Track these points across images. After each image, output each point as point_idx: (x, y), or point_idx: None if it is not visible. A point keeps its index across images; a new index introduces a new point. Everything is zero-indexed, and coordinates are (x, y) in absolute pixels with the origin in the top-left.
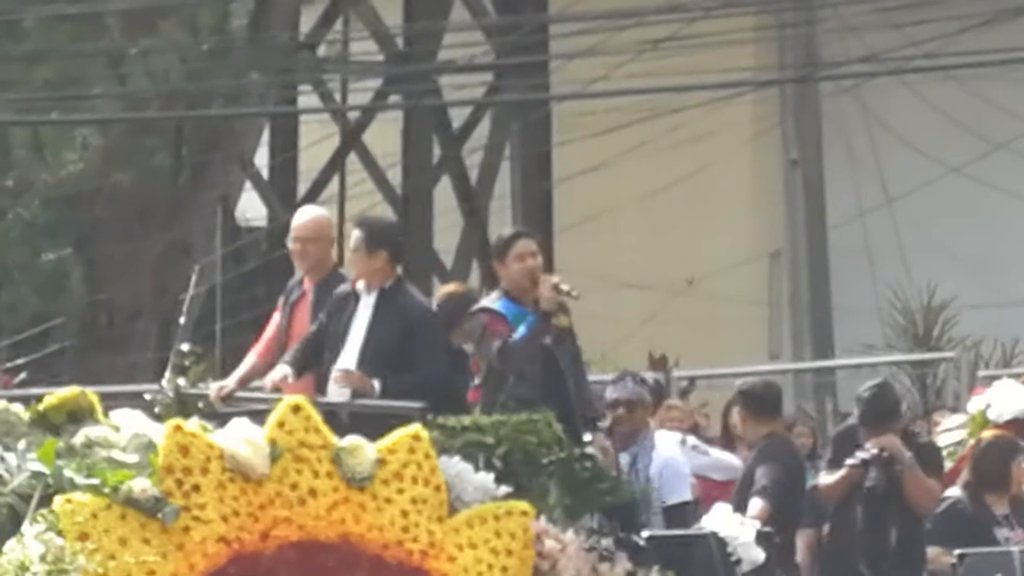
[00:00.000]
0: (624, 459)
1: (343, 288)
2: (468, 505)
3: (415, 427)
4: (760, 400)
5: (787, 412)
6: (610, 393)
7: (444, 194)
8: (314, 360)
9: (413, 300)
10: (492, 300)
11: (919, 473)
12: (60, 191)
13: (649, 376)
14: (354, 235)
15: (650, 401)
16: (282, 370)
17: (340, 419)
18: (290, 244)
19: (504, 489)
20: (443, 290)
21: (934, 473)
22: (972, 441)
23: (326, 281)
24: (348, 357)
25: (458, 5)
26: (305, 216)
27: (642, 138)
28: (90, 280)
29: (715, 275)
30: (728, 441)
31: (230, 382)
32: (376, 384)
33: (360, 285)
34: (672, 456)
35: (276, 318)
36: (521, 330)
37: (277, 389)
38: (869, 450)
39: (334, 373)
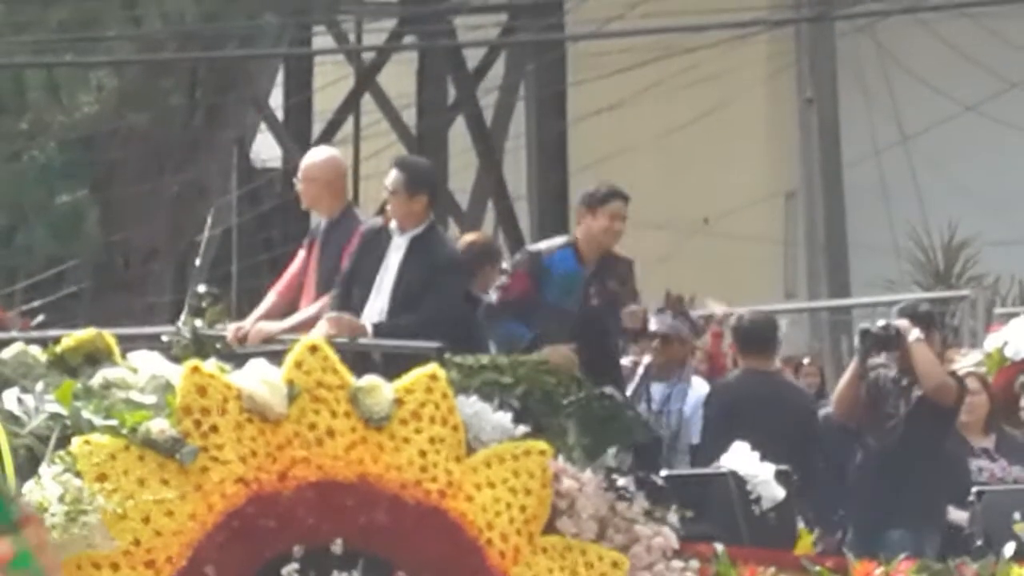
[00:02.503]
0: (659, 392)
1: (373, 223)
2: (486, 445)
3: (432, 366)
4: (745, 335)
5: (799, 351)
6: (651, 325)
7: (459, 135)
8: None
9: (443, 246)
10: (556, 246)
11: (925, 348)
12: (75, 133)
13: (695, 314)
14: (392, 176)
15: (688, 336)
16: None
17: (373, 360)
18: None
19: (522, 429)
20: (464, 239)
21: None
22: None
23: (337, 220)
24: (380, 301)
25: None
26: (307, 157)
27: (657, 78)
28: (106, 222)
29: (731, 214)
30: None
31: (248, 323)
32: (369, 327)
33: (392, 224)
34: (703, 395)
35: (299, 256)
36: (515, 330)
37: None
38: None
39: (325, 317)
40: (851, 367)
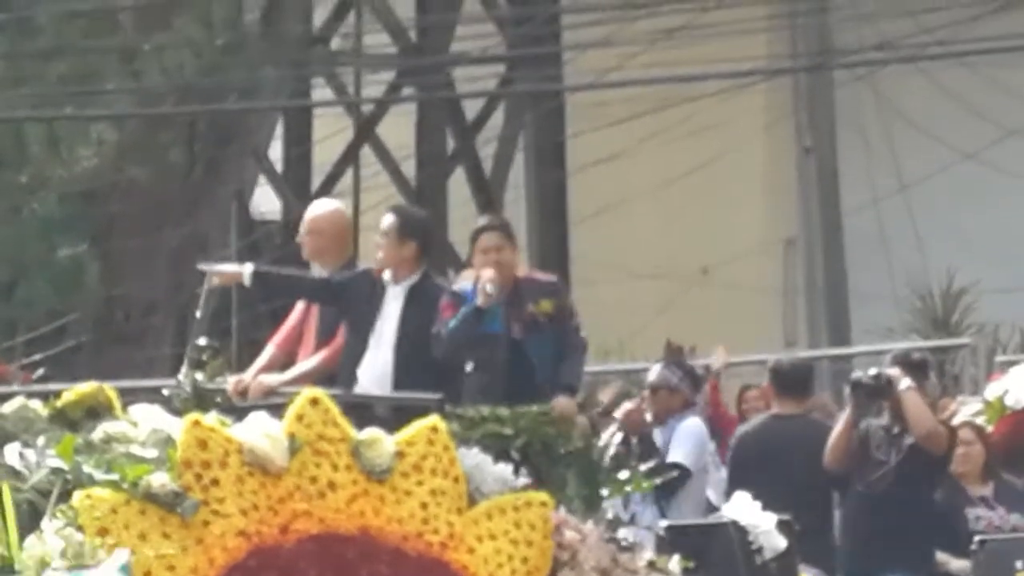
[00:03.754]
0: (659, 438)
1: (365, 270)
2: (487, 496)
3: (433, 419)
4: (783, 378)
5: None
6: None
7: (458, 186)
8: (286, 293)
9: (443, 294)
10: (465, 283)
11: (916, 396)
12: (75, 187)
13: (697, 365)
14: (386, 219)
15: (677, 385)
16: (246, 268)
17: (375, 413)
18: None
19: (523, 480)
20: (463, 276)
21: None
22: (991, 428)
23: (339, 272)
24: (383, 352)
25: None
26: (312, 209)
27: (656, 128)
28: (106, 275)
29: (730, 263)
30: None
31: (248, 376)
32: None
33: (386, 275)
34: (690, 424)
35: (298, 307)
36: (452, 321)
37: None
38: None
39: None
40: (843, 417)
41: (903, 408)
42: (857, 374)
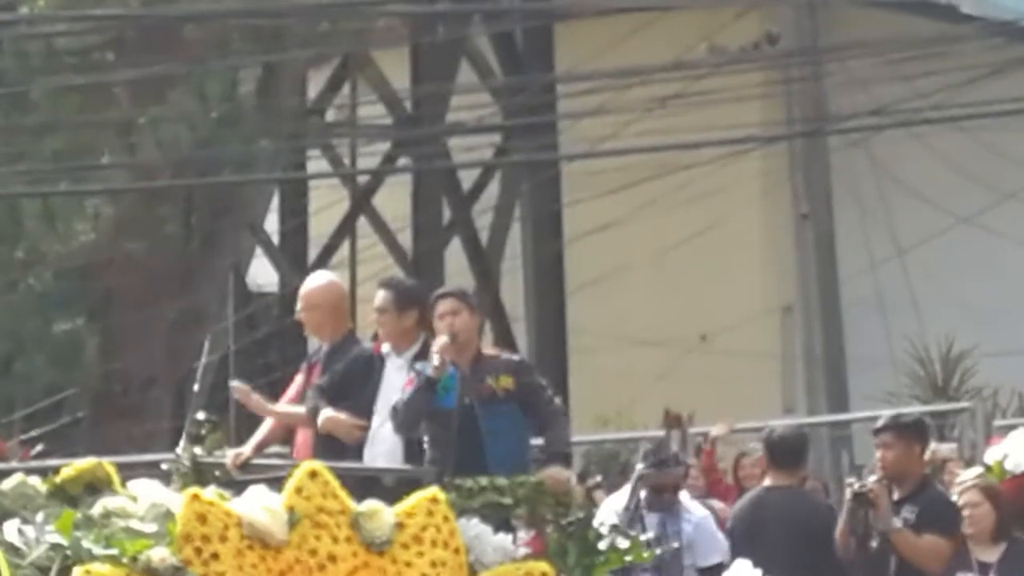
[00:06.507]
0: (653, 520)
1: (362, 352)
2: (488, 567)
3: (433, 490)
4: (775, 450)
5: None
6: (650, 471)
7: (455, 256)
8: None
9: None
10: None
11: (907, 536)
12: (72, 262)
13: (675, 443)
14: (380, 296)
15: (683, 458)
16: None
17: (383, 484)
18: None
19: (523, 550)
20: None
21: (945, 531)
22: None
23: (339, 344)
24: (391, 427)
25: (465, 67)
26: (307, 284)
27: (652, 196)
28: (104, 350)
29: (728, 330)
30: (741, 494)
31: (247, 449)
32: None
33: (386, 348)
34: (704, 517)
35: (297, 381)
36: (407, 393)
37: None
38: (862, 482)
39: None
40: (843, 518)
41: (898, 549)
42: (851, 483)
